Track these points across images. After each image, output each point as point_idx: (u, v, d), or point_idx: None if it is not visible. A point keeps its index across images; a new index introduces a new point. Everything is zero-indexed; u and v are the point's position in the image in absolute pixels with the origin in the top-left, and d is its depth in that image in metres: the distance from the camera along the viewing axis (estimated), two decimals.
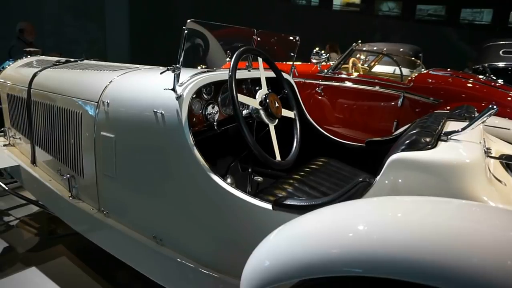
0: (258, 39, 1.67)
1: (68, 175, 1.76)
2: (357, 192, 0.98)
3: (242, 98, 1.29)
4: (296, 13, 13.28)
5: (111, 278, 1.95)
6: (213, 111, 1.52)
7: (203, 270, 1.27)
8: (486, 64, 4.68)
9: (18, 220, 2.55)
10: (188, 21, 1.22)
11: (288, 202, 1.05)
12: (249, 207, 1.11)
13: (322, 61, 3.43)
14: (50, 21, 8.46)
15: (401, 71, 3.41)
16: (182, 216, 1.33)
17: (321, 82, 3.45)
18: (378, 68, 4.52)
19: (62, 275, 1.97)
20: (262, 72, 1.47)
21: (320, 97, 3.48)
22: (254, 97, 1.41)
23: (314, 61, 3.43)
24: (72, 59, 2.30)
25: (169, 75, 1.29)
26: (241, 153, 1.92)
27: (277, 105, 1.43)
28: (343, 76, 3.44)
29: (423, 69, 3.69)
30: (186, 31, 1.22)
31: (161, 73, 1.34)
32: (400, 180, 0.92)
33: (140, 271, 1.48)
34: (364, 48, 3.73)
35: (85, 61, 2.29)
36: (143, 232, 1.46)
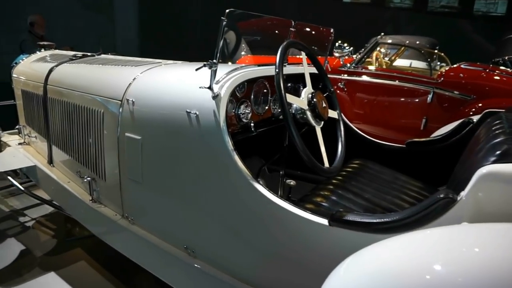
0: (295, 31, 1.53)
1: (88, 178, 1.66)
2: (436, 209, 0.85)
3: (289, 98, 1.16)
4: (305, 6, 13.05)
5: (132, 285, 1.86)
6: (247, 111, 1.39)
7: (241, 286, 1.16)
8: (506, 57, 4.49)
9: (34, 220, 2.47)
10: (227, 11, 1.09)
11: (348, 218, 0.92)
12: (301, 221, 0.99)
13: (345, 55, 3.28)
14: (59, 14, 8.36)
15: (430, 65, 3.25)
16: (218, 227, 1.21)
17: (343, 77, 3.30)
18: (398, 62, 4.36)
19: (82, 281, 1.88)
20: (306, 68, 1.33)
21: (342, 93, 3.34)
22: (298, 96, 1.28)
23: (336, 54, 3.28)
24: (89, 54, 2.18)
25: (205, 71, 1.16)
26: (272, 156, 1.79)
27: (324, 105, 1.30)
28: (367, 70, 3.29)
29: (439, 63, 3.54)
30: (224, 22, 1.08)
31: (196, 69, 1.21)
32: (491, 197, 0.79)
33: (169, 283, 1.37)
34: (387, 41, 3.56)
35: (103, 56, 2.18)
36: (173, 242, 1.35)
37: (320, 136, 1.25)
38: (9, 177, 2.11)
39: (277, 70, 1.11)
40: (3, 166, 2.00)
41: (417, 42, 5.06)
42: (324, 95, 1.38)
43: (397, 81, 3.17)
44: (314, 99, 1.25)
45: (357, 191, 1.38)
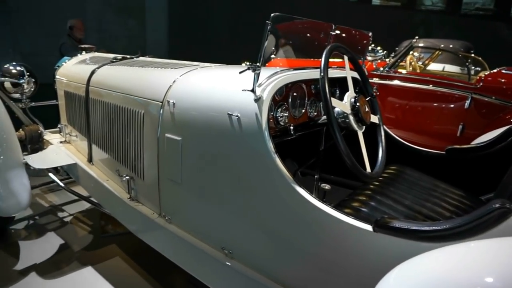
0: (335, 33, 1.53)
1: (127, 177, 1.70)
2: (491, 219, 0.82)
3: (333, 101, 1.15)
4: (333, 9, 12.94)
5: (166, 283, 1.90)
6: (285, 114, 1.39)
7: None
8: None
9: (71, 216, 2.57)
10: (272, 15, 1.10)
11: (394, 224, 0.91)
12: (344, 226, 0.98)
13: (378, 59, 3.23)
14: (93, 18, 8.69)
15: (468, 70, 3.15)
16: (257, 229, 1.22)
17: (376, 81, 3.25)
18: (432, 66, 4.26)
19: (117, 276, 1.93)
20: (349, 72, 1.33)
21: None
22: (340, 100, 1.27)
23: (369, 58, 3.24)
24: (128, 56, 2.25)
25: (247, 75, 1.18)
26: (306, 160, 1.79)
27: (367, 109, 1.29)
28: (401, 74, 3.22)
29: (473, 67, 3.41)
30: (269, 26, 1.10)
31: (240, 72, 1.23)
32: None
33: (205, 282, 1.39)
34: (422, 44, 3.48)
35: (141, 58, 2.24)
36: (210, 242, 1.37)
37: (362, 140, 1.24)
38: (50, 174, 2.20)
39: (322, 74, 1.11)
40: (46, 163, 2.09)
41: (451, 46, 4.93)
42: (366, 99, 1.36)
43: (431, 85, 3.09)
44: (358, 103, 1.24)
45: (396, 198, 1.36)
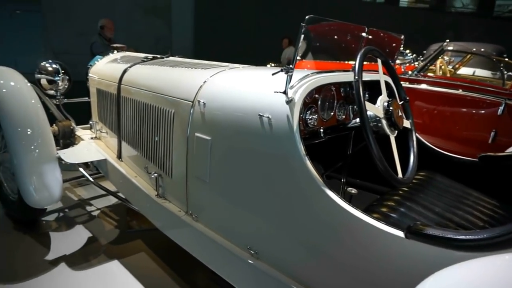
0: (367, 36, 1.51)
1: (155, 174, 1.74)
2: None
3: (366, 105, 1.14)
4: (359, 11, 12.78)
5: (189, 279, 1.92)
6: (314, 116, 1.39)
7: None
8: None
9: (98, 210, 2.64)
10: (307, 17, 1.10)
11: (428, 232, 0.89)
12: (374, 232, 0.97)
13: (407, 62, 3.17)
14: (121, 18, 8.92)
15: (503, 74, 3.05)
16: (284, 230, 1.22)
17: (405, 85, 3.19)
18: (463, 71, 4.14)
19: (142, 271, 1.98)
20: (382, 76, 1.31)
21: None
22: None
23: (398, 61, 3.18)
24: (158, 56, 2.30)
25: (279, 76, 1.18)
26: (332, 163, 1.77)
27: (400, 113, 1.27)
28: (430, 78, 3.15)
29: (506, 72, 3.29)
30: (304, 28, 1.10)
31: (273, 74, 1.23)
32: None
33: (229, 280, 1.40)
34: (453, 48, 3.38)
35: (171, 58, 2.29)
36: (236, 242, 1.38)
37: (394, 145, 1.22)
38: (80, 169, 2.27)
39: (356, 77, 1.11)
40: (77, 158, 2.16)
41: (482, 50, 4.78)
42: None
43: (460, 90, 3.00)
44: (391, 107, 1.23)
45: (426, 204, 1.33)
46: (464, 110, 3.01)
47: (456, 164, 1.69)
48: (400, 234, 0.93)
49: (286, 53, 7.41)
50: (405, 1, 15.76)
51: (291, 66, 1.13)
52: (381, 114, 1.23)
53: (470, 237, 0.84)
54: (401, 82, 3.20)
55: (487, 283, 0.67)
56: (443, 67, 3.51)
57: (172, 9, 10.69)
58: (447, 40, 3.41)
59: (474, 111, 2.96)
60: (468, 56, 3.95)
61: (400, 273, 0.95)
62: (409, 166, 1.28)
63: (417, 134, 1.76)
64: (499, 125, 2.72)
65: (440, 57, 3.61)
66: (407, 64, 3.31)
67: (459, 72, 4.09)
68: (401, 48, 3.28)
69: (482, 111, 2.90)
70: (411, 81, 3.17)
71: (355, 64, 1.15)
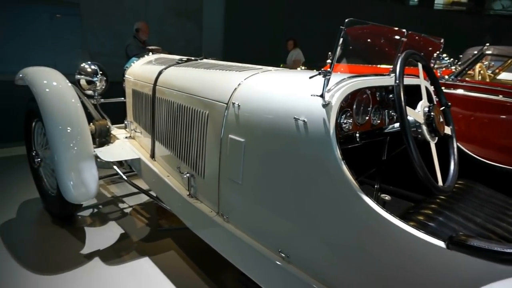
0: (406, 41, 1.48)
1: (188, 174, 1.77)
2: None
3: (407, 110, 1.12)
4: (393, 13, 12.52)
5: (217, 280, 1.94)
6: (349, 121, 1.37)
7: None
8: None
9: (130, 208, 2.71)
10: (347, 20, 1.09)
11: (472, 243, 0.85)
12: (413, 240, 0.94)
13: (444, 66, 3.06)
14: (154, 21, 9.15)
15: None
16: (317, 235, 1.20)
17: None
18: (504, 76, 3.95)
19: (171, 269, 2.01)
20: (423, 81, 1.28)
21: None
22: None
23: (435, 66, 3.08)
24: (192, 58, 2.34)
25: (317, 80, 1.17)
26: (365, 169, 1.74)
27: (441, 119, 1.23)
28: (468, 83, 3.03)
29: None
30: (343, 31, 1.08)
31: (310, 77, 1.23)
32: None
33: (258, 283, 1.40)
34: (493, 52, 3.24)
35: (204, 60, 2.32)
36: (267, 244, 1.38)
37: (434, 152, 1.18)
38: (115, 167, 2.34)
39: (397, 81, 1.08)
40: (113, 156, 2.22)
41: None
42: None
43: (501, 96, 2.87)
44: (432, 113, 1.19)
45: (467, 215, 1.28)
46: (504, 117, 2.87)
47: (497, 174, 1.61)
48: (441, 244, 0.90)
49: (293, 55, 7.22)
50: (440, 3, 15.26)
51: (329, 69, 1.12)
52: (421, 119, 1.20)
53: None
54: None
55: None
56: (482, 72, 3.37)
57: (203, 12, 10.88)
58: (487, 44, 3.27)
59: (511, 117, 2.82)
60: (509, 61, 3.77)
61: (440, 285, 0.92)
62: (450, 174, 1.23)
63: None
64: None
65: (479, 62, 3.47)
66: (444, 69, 3.20)
67: (499, 77, 3.91)
68: (438, 52, 3.18)
69: None
70: (447, 86, 3.06)
71: (395, 68, 1.12)
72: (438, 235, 0.96)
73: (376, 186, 1.78)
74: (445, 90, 3.08)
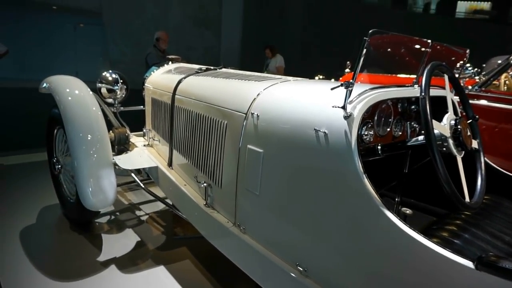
0: (431, 51, 1.44)
1: (205, 183, 1.76)
2: None
3: (434, 123, 1.08)
4: (412, 22, 12.38)
5: None
6: (370, 132, 1.33)
7: None
8: None
9: (147, 215, 2.73)
10: (370, 31, 1.07)
11: (504, 265, 0.81)
12: (438, 259, 0.90)
13: (467, 76, 2.98)
14: (174, 30, 9.33)
15: None
16: (337, 249, 1.17)
17: None
18: None
19: (187, 279, 2.00)
20: (449, 93, 1.24)
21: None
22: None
23: (456, 75, 3.00)
24: (211, 67, 2.36)
25: (339, 91, 1.15)
26: (387, 182, 1.69)
27: (469, 133, 1.19)
28: (492, 94, 2.94)
29: None
30: (367, 42, 1.06)
31: (332, 88, 1.21)
32: None
33: None
34: None
35: (224, 70, 2.33)
36: (284, 257, 1.35)
37: (461, 166, 1.13)
38: (132, 174, 2.36)
39: (423, 94, 1.05)
40: (132, 164, 2.24)
41: None
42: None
43: None
44: (459, 126, 1.15)
45: (494, 232, 1.22)
46: None
47: None
48: (470, 264, 0.85)
49: (276, 62, 7.01)
50: (462, 12, 15.00)
51: (351, 81, 1.09)
52: (447, 133, 1.16)
53: None
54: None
55: None
56: (507, 82, 3.26)
57: (222, 21, 11.02)
58: None
59: None
60: None
61: None
62: (477, 189, 1.18)
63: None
64: None
65: (505, 71, 3.37)
66: (467, 79, 3.12)
67: None
68: (461, 62, 3.10)
69: None
70: (471, 97, 2.97)
71: (421, 79, 1.09)
72: (464, 253, 0.92)
73: (397, 200, 1.73)
74: (470, 101, 3.00)
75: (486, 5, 14.48)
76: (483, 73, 3.19)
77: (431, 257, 0.92)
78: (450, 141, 1.15)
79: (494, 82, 3.15)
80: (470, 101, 3.02)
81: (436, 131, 1.14)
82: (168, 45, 5.08)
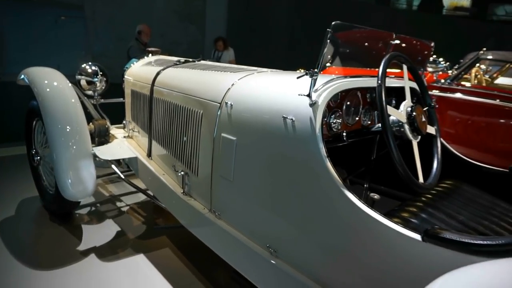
0: (395, 43, 1.52)
1: (182, 172, 1.81)
2: None
3: (388, 109, 1.16)
4: (395, 18, 12.56)
5: (210, 276, 1.97)
6: (338, 121, 1.41)
7: None
8: None
9: (127, 206, 2.76)
10: (333, 23, 1.13)
11: (447, 236, 0.89)
12: (391, 234, 0.98)
13: (440, 70, 3.10)
14: (158, 24, 9.24)
15: None
16: (304, 231, 1.24)
17: (436, 93, 3.11)
18: (501, 80, 3.98)
19: (166, 266, 2.05)
20: (407, 82, 1.31)
21: None
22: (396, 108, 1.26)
23: (430, 69, 3.12)
24: (190, 59, 2.39)
25: (304, 80, 1.21)
26: (355, 168, 1.77)
27: (423, 119, 1.27)
28: (464, 87, 3.06)
29: None
30: (330, 34, 1.13)
31: (298, 77, 1.27)
32: None
33: (248, 277, 1.43)
34: (489, 56, 3.27)
35: (202, 62, 2.37)
36: (256, 240, 1.41)
37: (416, 150, 1.22)
38: (112, 166, 2.38)
39: (379, 82, 1.12)
40: (111, 155, 2.27)
41: None
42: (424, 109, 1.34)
43: (498, 100, 2.90)
44: (414, 113, 1.23)
45: (450, 212, 1.31)
46: (499, 120, 2.90)
47: (485, 174, 1.64)
48: (418, 237, 0.93)
49: (229, 55, 6.81)
50: (443, 8, 15.27)
51: (316, 70, 1.16)
52: (403, 119, 1.23)
53: (488, 242, 0.83)
54: (433, 91, 3.14)
55: (497, 284, 0.66)
56: (478, 76, 3.39)
57: (206, 16, 10.98)
58: (484, 49, 3.30)
59: (509, 122, 2.85)
60: (507, 66, 3.79)
61: (416, 275, 0.95)
62: (432, 172, 1.27)
63: (444, 142, 1.74)
64: None
65: (476, 66, 3.50)
66: (440, 72, 3.23)
67: (497, 81, 3.94)
68: (434, 56, 3.22)
69: None
70: (443, 90, 3.09)
71: (379, 69, 1.16)
72: (419, 230, 0.99)
73: (365, 185, 1.81)
74: (440, 94, 3.12)
75: (466, 2, 14.77)
76: (455, 67, 3.31)
77: (386, 233, 1.00)
78: (406, 127, 1.23)
79: (467, 76, 3.27)
80: (444, 94, 3.15)
81: (394, 118, 1.21)
82: (153, 39, 5.06)
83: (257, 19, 10.76)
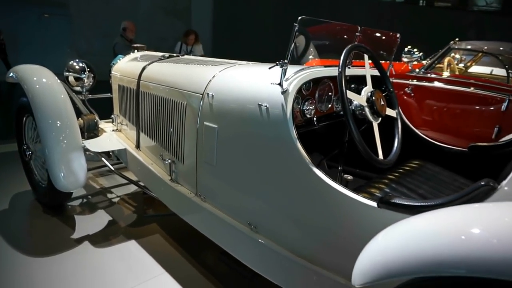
0: (360, 35, 1.65)
1: (169, 160, 1.92)
2: (477, 196, 0.93)
3: (349, 94, 1.30)
4: (379, 9, 12.75)
5: (199, 258, 2.10)
6: (311, 107, 1.54)
7: (297, 260, 1.31)
8: None
9: (118, 197, 2.86)
10: (299, 18, 1.26)
11: (397, 201, 1.03)
12: (352, 203, 1.12)
13: (414, 60, 3.26)
14: (143, 20, 9.26)
15: (508, 72, 3.10)
16: (278, 207, 1.37)
17: (411, 82, 3.28)
18: (475, 69, 4.17)
19: (157, 250, 2.16)
20: (368, 70, 1.45)
21: (408, 98, 3.32)
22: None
23: (405, 59, 3.27)
24: (174, 54, 2.50)
25: (276, 70, 1.34)
26: (331, 151, 1.91)
27: (382, 103, 1.41)
28: (437, 76, 3.23)
29: None
30: (296, 28, 1.25)
31: (269, 68, 1.39)
32: None
33: (233, 254, 1.56)
34: (462, 46, 3.44)
35: (186, 56, 2.47)
36: (238, 219, 1.54)
37: (376, 130, 1.36)
38: (102, 158, 2.48)
39: (339, 70, 1.26)
40: (100, 147, 2.37)
41: (501, 49, 4.77)
42: (384, 94, 1.48)
43: (472, 88, 3.07)
44: (373, 97, 1.37)
45: (411, 187, 1.46)
46: (471, 107, 3.08)
47: (447, 154, 1.80)
48: (373, 204, 1.08)
49: (200, 51, 6.62)
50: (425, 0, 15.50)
51: (285, 61, 1.29)
52: (364, 102, 1.37)
53: (428, 203, 0.98)
54: (409, 80, 3.30)
55: (433, 224, 0.81)
56: (451, 65, 3.57)
57: (192, 11, 11.01)
58: (456, 39, 3.47)
59: (483, 108, 3.02)
60: (479, 55, 3.98)
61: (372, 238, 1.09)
62: (392, 150, 1.41)
63: (411, 126, 1.89)
64: (503, 121, 2.79)
65: (450, 56, 3.68)
66: (415, 62, 3.40)
67: (472, 70, 4.12)
68: (409, 47, 3.37)
69: (490, 108, 2.96)
70: (418, 79, 3.25)
71: (340, 59, 1.30)
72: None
73: (339, 168, 1.95)
74: (416, 83, 3.28)
75: None
76: (430, 57, 3.47)
77: (346, 203, 1.14)
78: (367, 110, 1.38)
79: (440, 65, 3.44)
80: (418, 83, 3.30)
81: (356, 102, 1.35)
82: (139, 35, 5.11)
83: (243, 13, 10.83)
